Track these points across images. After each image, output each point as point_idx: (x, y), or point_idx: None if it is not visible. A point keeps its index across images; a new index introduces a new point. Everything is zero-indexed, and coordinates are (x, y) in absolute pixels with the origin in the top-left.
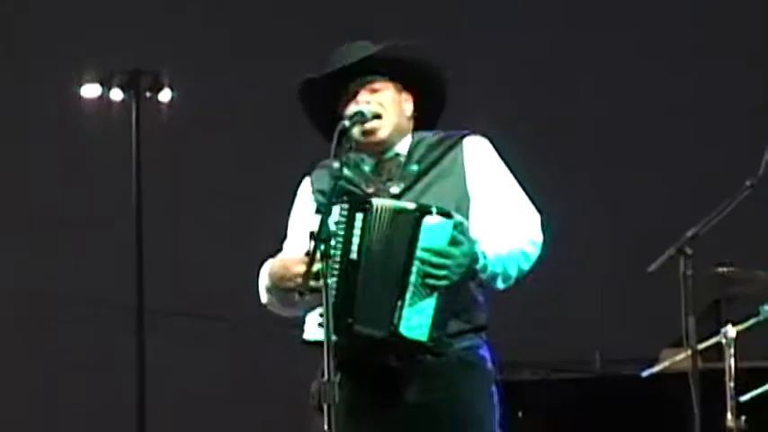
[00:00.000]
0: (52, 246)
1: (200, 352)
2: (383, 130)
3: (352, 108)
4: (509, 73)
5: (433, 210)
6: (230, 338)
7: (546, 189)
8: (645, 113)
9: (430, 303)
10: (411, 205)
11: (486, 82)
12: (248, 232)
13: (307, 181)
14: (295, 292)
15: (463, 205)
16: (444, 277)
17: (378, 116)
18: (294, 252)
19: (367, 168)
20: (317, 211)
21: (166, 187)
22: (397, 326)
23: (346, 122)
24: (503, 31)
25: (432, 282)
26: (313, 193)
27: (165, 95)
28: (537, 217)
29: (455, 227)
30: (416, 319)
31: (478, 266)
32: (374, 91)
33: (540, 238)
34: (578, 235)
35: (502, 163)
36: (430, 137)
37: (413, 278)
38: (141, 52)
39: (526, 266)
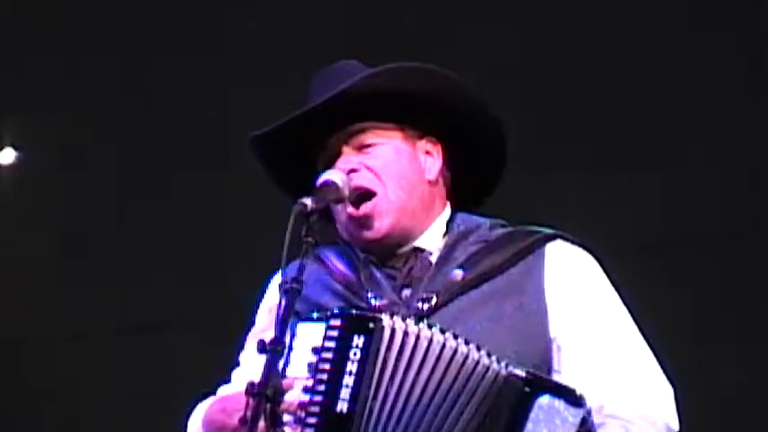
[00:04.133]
0: None
1: None
2: (382, 217)
3: (325, 175)
4: None
5: (553, 387)
6: None
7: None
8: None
9: None
10: (520, 372)
11: None
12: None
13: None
14: None
15: (540, 348)
16: None
17: (369, 194)
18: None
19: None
20: (260, 350)
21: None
22: None
23: (308, 202)
24: None
25: None
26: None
27: (6, 157)
28: (670, 391)
29: (583, 423)
30: None
31: None
32: (364, 147)
33: (677, 425)
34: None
35: (608, 287)
36: (485, 225)
37: None
38: None
39: None
